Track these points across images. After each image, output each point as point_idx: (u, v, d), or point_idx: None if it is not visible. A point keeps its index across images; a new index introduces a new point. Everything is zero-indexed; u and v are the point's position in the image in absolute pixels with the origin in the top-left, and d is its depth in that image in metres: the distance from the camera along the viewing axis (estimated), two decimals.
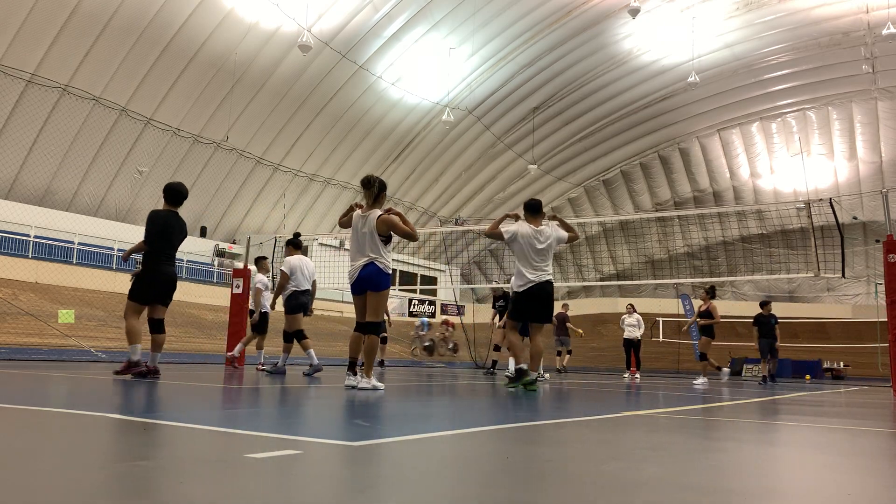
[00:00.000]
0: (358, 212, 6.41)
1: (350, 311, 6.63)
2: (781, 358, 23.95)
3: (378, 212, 6.30)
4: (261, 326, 11.13)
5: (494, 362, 13.57)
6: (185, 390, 5.74)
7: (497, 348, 13.40)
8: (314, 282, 10.05)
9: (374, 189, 6.36)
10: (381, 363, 13.84)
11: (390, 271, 6.34)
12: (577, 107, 35.86)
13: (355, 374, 6.38)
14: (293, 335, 9.76)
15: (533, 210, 7.50)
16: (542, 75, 32.91)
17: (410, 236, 6.42)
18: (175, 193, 7.25)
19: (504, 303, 13.14)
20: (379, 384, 6.33)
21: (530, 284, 7.16)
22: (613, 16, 29.01)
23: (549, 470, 2.28)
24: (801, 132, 36.65)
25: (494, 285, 14.34)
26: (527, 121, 36.00)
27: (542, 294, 7.16)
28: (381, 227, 6.22)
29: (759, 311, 15.04)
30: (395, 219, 6.30)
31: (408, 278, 36.82)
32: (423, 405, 5.18)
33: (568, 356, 18.24)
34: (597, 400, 6.63)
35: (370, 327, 6.28)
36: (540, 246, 7.23)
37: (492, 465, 2.38)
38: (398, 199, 37.22)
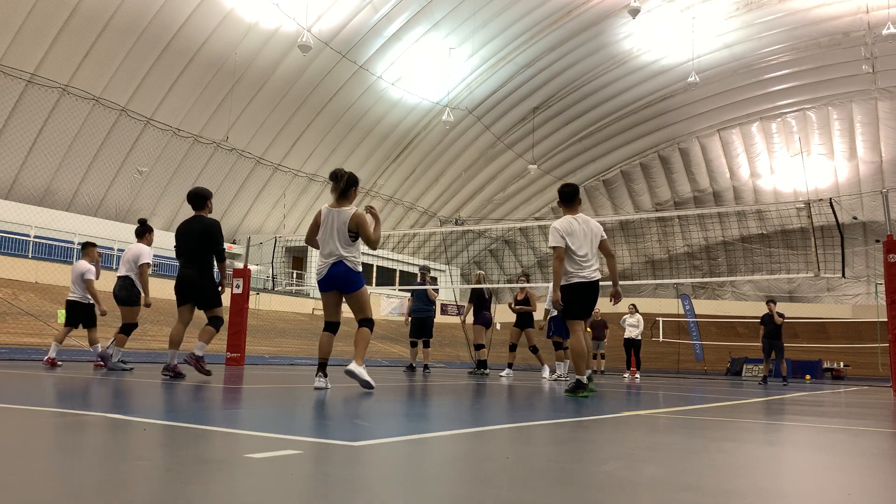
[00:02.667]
0: (326, 207, 6.17)
1: (346, 311, 6.48)
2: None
3: (353, 209, 6.07)
4: (94, 319, 9.90)
5: (483, 361, 12.94)
6: (185, 390, 5.74)
7: (480, 346, 12.82)
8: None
9: (340, 183, 6.05)
10: (426, 367, 12.69)
11: (360, 269, 6.09)
12: (577, 107, 35.88)
13: (325, 375, 6.15)
14: (131, 327, 9.07)
15: (567, 198, 6.95)
16: (542, 75, 32.93)
17: (370, 243, 6.06)
18: (189, 198, 7.50)
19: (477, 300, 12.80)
20: (367, 377, 6.00)
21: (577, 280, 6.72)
22: (613, 16, 29.02)
23: (549, 470, 2.28)
24: (801, 132, 36.66)
25: (475, 284, 13.42)
26: (527, 121, 36.01)
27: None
28: (352, 223, 5.98)
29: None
30: (365, 221, 6.05)
31: (408, 278, 36.81)
32: (422, 405, 5.18)
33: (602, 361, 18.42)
34: (597, 400, 6.63)
35: (363, 322, 6.14)
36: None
37: (492, 465, 2.38)
38: (398, 199, 37.22)
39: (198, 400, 4.95)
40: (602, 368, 18.25)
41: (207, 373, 7.25)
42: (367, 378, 6.00)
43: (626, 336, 17.33)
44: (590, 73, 33.53)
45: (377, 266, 34.93)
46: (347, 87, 29.56)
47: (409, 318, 12.86)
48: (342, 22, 26.47)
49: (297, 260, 33.67)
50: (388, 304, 31.35)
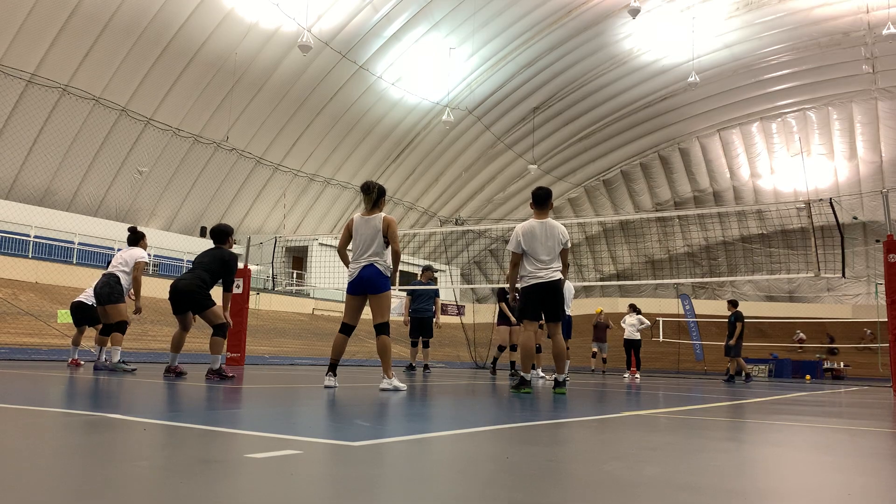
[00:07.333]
0: (358, 215, 6.52)
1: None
2: (781, 358, 23.97)
3: (383, 215, 6.41)
4: (95, 318, 9.58)
5: (495, 360, 12.90)
6: (185, 390, 5.74)
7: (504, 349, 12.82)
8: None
9: (372, 195, 6.44)
10: (426, 367, 12.54)
11: (388, 274, 6.41)
12: (577, 107, 35.88)
13: (335, 375, 6.48)
14: (124, 325, 8.87)
15: (539, 201, 6.96)
16: (542, 75, 32.93)
17: (395, 248, 6.39)
18: (212, 234, 7.94)
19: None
20: (400, 385, 6.35)
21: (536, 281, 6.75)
22: (613, 16, 29.03)
23: (549, 470, 2.28)
24: (801, 132, 36.67)
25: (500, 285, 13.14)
26: (527, 121, 36.01)
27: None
28: (384, 227, 6.34)
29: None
30: (395, 225, 6.42)
31: (408, 278, 36.82)
32: (423, 405, 5.18)
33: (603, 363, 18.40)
34: (597, 400, 6.63)
35: (380, 328, 6.37)
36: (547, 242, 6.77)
37: (492, 465, 2.38)
38: (398, 199, 37.23)
39: (198, 400, 4.95)
40: (603, 369, 18.21)
41: (231, 377, 7.39)
42: (400, 385, 6.36)
43: (625, 336, 17.36)
44: (590, 73, 33.53)
45: None
46: (347, 87, 29.56)
47: (408, 319, 12.75)
48: (342, 22, 26.47)
49: (297, 260, 33.66)
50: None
